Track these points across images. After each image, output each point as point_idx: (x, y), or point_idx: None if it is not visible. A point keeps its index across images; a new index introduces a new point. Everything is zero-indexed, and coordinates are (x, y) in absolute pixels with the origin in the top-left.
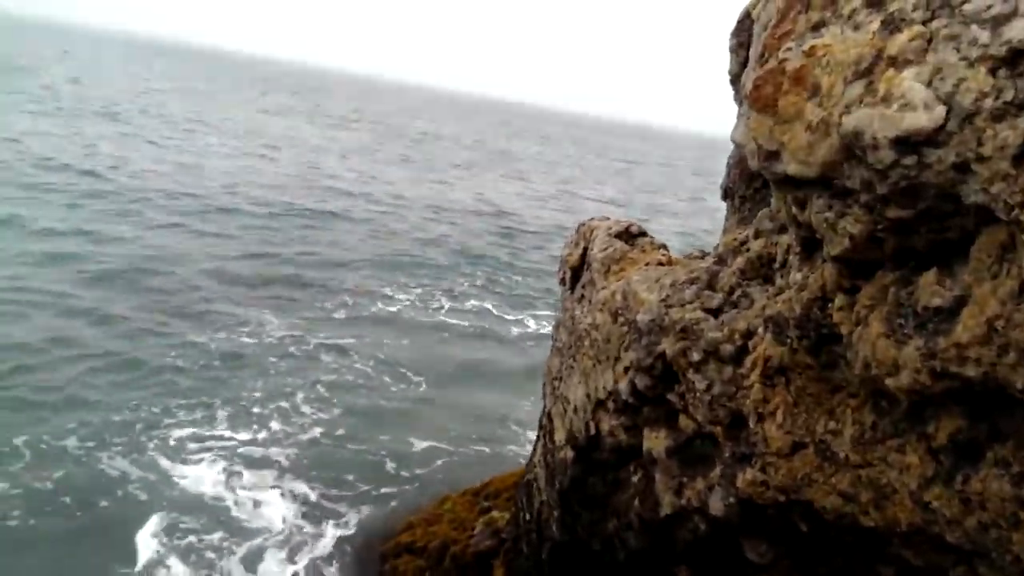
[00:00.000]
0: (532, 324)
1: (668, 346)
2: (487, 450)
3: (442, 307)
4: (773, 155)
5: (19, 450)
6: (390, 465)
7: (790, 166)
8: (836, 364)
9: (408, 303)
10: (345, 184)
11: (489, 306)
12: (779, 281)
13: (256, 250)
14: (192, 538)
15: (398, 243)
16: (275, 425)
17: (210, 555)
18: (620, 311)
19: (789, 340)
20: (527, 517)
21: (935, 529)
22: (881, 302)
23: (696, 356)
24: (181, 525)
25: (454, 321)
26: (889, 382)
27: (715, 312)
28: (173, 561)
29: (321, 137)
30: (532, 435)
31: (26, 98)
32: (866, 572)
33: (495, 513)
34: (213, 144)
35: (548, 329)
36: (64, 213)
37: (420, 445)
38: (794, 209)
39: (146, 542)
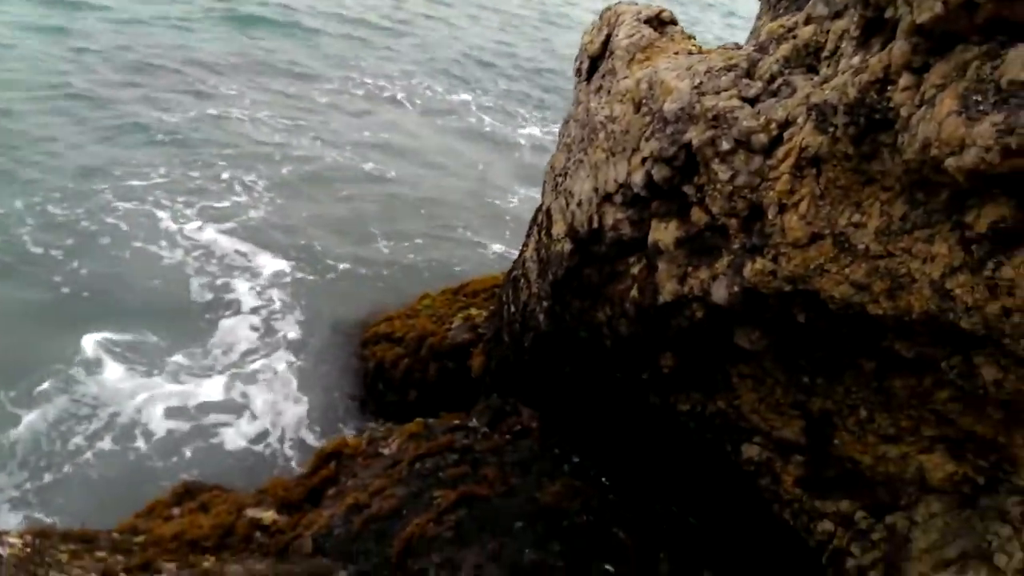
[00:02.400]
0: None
1: (695, 135)
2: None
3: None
4: None
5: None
6: (370, 255)
7: None
8: (877, 154)
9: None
10: None
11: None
12: (825, 70)
13: None
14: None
15: None
16: (253, 196)
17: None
18: (644, 100)
19: (833, 128)
20: (512, 310)
21: (949, 316)
22: (957, 79)
23: (725, 145)
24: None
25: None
26: (950, 161)
27: (752, 101)
28: (153, 320)
29: None
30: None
31: None
32: (847, 365)
33: (473, 310)
34: None
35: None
36: None
37: (399, 240)
38: None
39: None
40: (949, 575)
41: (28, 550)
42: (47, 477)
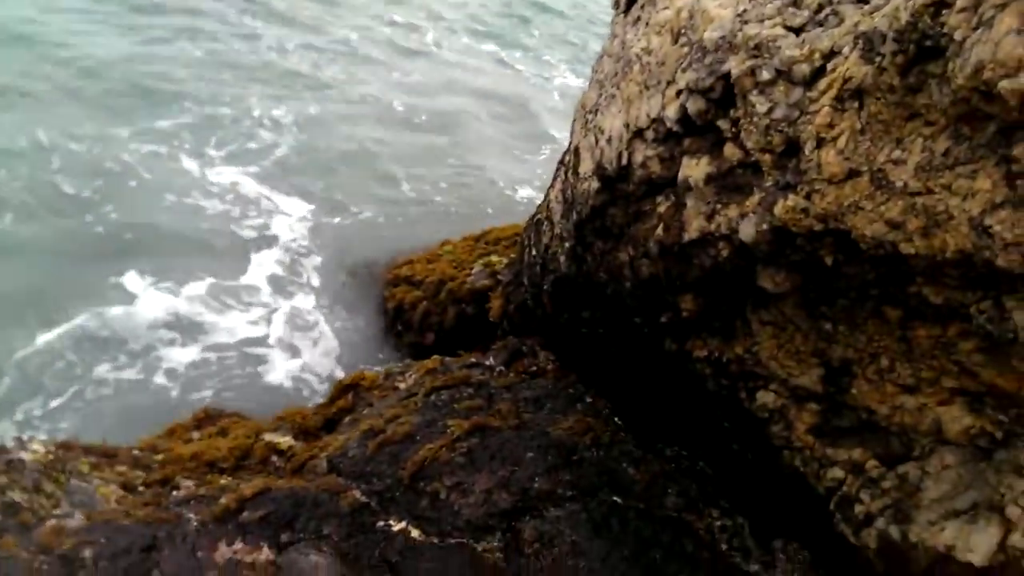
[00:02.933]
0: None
1: (735, 64)
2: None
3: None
4: None
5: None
6: (395, 196)
7: None
8: (923, 86)
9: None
10: None
11: None
12: (876, 0)
13: None
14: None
15: None
16: (279, 134)
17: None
18: (684, 30)
19: (880, 57)
20: (533, 253)
21: (985, 255)
22: None
23: (766, 75)
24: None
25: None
26: (1004, 84)
27: (797, 31)
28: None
29: None
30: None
31: None
32: (871, 313)
33: (494, 257)
34: None
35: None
36: None
37: (423, 183)
38: None
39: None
40: (959, 524)
41: (51, 457)
42: (68, 400)
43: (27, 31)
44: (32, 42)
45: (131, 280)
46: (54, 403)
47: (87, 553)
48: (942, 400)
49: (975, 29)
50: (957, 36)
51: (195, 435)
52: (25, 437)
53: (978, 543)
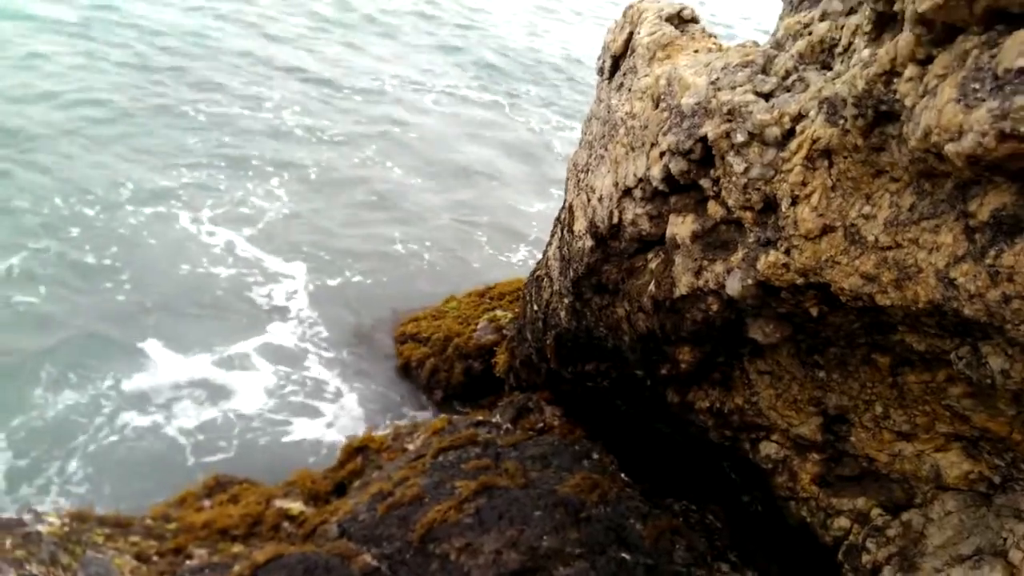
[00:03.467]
0: None
1: (711, 128)
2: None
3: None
4: None
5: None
6: (395, 256)
7: None
8: (885, 146)
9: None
10: None
11: None
12: (838, 66)
13: None
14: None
15: None
16: (276, 199)
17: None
18: (663, 96)
19: (843, 120)
20: (534, 308)
21: (952, 305)
22: (957, 68)
23: (740, 138)
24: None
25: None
26: (949, 147)
27: (766, 96)
28: (187, 324)
29: None
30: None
31: None
32: (862, 361)
33: (498, 312)
34: None
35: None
36: None
37: (423, 243)
38: None
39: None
40: (963, 571)
41: (66, 529)
42: (90, 456)
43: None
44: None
45: (151, 347)
46: (75, 461)
47: None
48: (939, 446)
49: (922, 96)
50: (907, 103)
51: (206, 503)
52: (40, 509)
53: None
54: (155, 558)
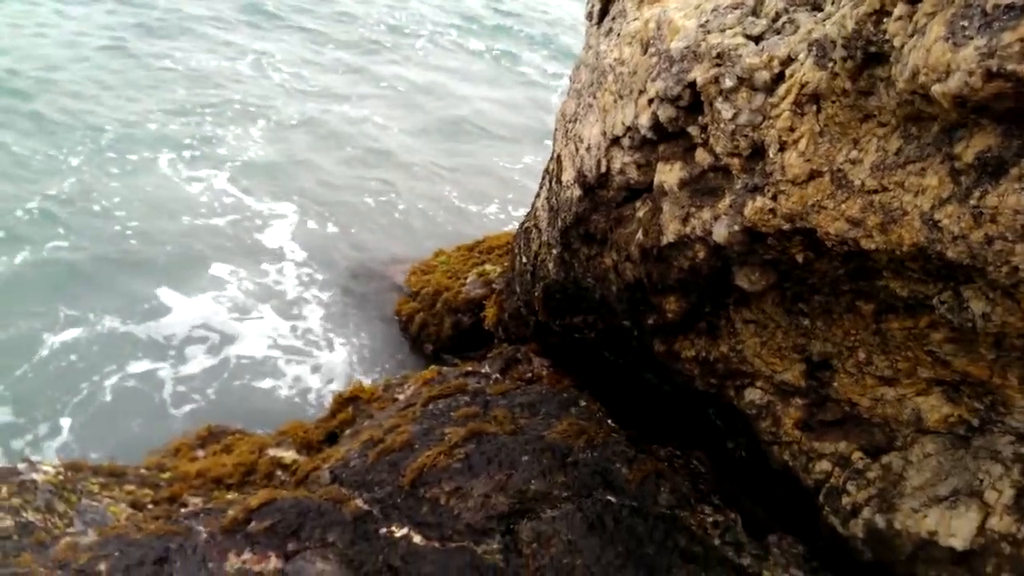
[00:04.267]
0: None
1: (700, 73)
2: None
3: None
4: None
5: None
6: (386, 210)
7: None
8: (873, 90)
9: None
10: None
11: None
12: (828, 7)
13: None
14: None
15: None
16: (269, 144)
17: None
18: (652, 40)
19: (832, 63)
20: (523, 260)
21: (936, 247)
22: (947, 6)
23: (728, 83)
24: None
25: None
26: (936, 88)
27: (756, 39)
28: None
29: None
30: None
31: None
32: (846, 308)
33: (488, 266)
34: None
35: None
36: None
37: (412, 197)
38: None
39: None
40: (940, 510)
41: (61, 478)
42: (85, 397)
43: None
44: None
45: (160, 292)
46: (75, 398)
47: (102, 567)
48: (920, 390)
49: (911, 36)
50: (896, 43)
51: (200, 453)
52: (35, 459)
53: (959, 528)
54: (150, 506)
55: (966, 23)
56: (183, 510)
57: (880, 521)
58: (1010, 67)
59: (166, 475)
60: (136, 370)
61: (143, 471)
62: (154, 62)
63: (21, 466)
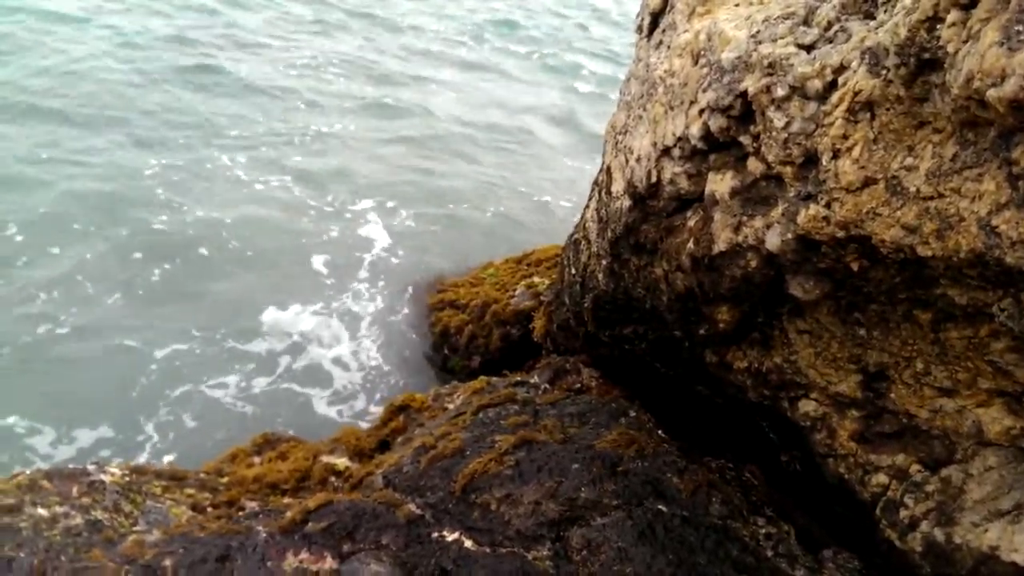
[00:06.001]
0: None
1: (751, 83)
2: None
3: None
4: None
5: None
6: (441, 219)
7: None
8: (928, 96)
9: None
10: None
11: None
12: (881, 15)
13: None
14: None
15: None
16: (325, 151)
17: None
18: (703, 52)
19: (885, 71)
20: (572, 272)
21: (995, 253)
22: (1001, 11)
23: (780, 92)
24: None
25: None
26: (991, 93)
27: (808, 48)
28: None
29: None
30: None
31: None
32: (903, 317)
33: (536, 278)
34: None
35: None
36: None
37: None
38: None
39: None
40: (1002, 524)
41: (127, 479)
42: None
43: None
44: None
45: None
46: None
47: (167, 562)
48: (980, 402)
49: (965, 42)
50: (950, 49)
51: (256, 459)
52: (102, 462)
53: (1022, 543)
54: (209, 508)
55: (1020, 28)
56: (241, 512)
57: (939, 535)
58: None
59: (224, 480)
60: (207, 379)
61: (203, 475)
62: None
63: (90, 467)
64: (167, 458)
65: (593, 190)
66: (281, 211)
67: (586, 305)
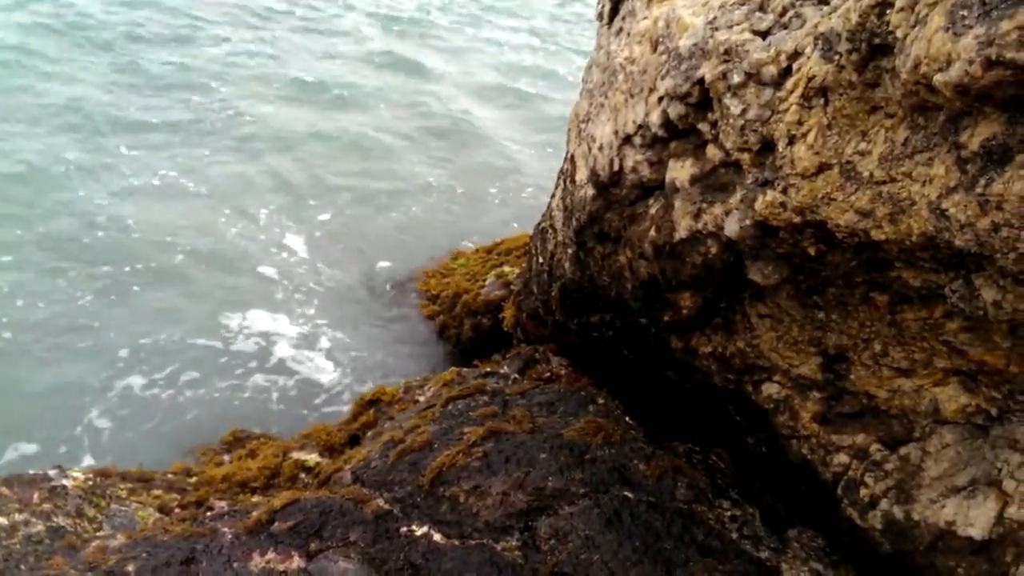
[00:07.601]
0: None
1: (708, 70)
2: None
3: None
4: None
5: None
6: (405, 211)
7: None
8: (879, 81)
9: None
10: None
11: None
12: (835, 1)
13: None
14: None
15: None
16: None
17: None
18: (662, 39)
19: (838, 56)
20: (539, 260)
21: (945, 236)
22: None
23: (736, 79)
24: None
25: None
26: (938, 78)
27: (763, 35)
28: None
29: None
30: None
31: None
32: (861, 300)
33: (506, 268)
34: None
35: None
36: None
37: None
38: None
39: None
40: (959, 500)
41: (90, 484)
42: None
43: None
44: None
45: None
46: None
47: (130, 568)
48: (937, 381)
49: (913, 27)
50: (899, 34)
51: (226, 458)
52: (65, 467)
53: (977, 517)
54: (177, 510)
55: (965, 12)
56: (209, 513)
57: (898, 512)
58: (1008, 55)
59: (192, 480)
60: (162, 376)
61: (170, 476)
62: None
63: (52, 472)
64: (116, 462)
65: (558, 179)
66: (211, 212)
67: (554, 294)
